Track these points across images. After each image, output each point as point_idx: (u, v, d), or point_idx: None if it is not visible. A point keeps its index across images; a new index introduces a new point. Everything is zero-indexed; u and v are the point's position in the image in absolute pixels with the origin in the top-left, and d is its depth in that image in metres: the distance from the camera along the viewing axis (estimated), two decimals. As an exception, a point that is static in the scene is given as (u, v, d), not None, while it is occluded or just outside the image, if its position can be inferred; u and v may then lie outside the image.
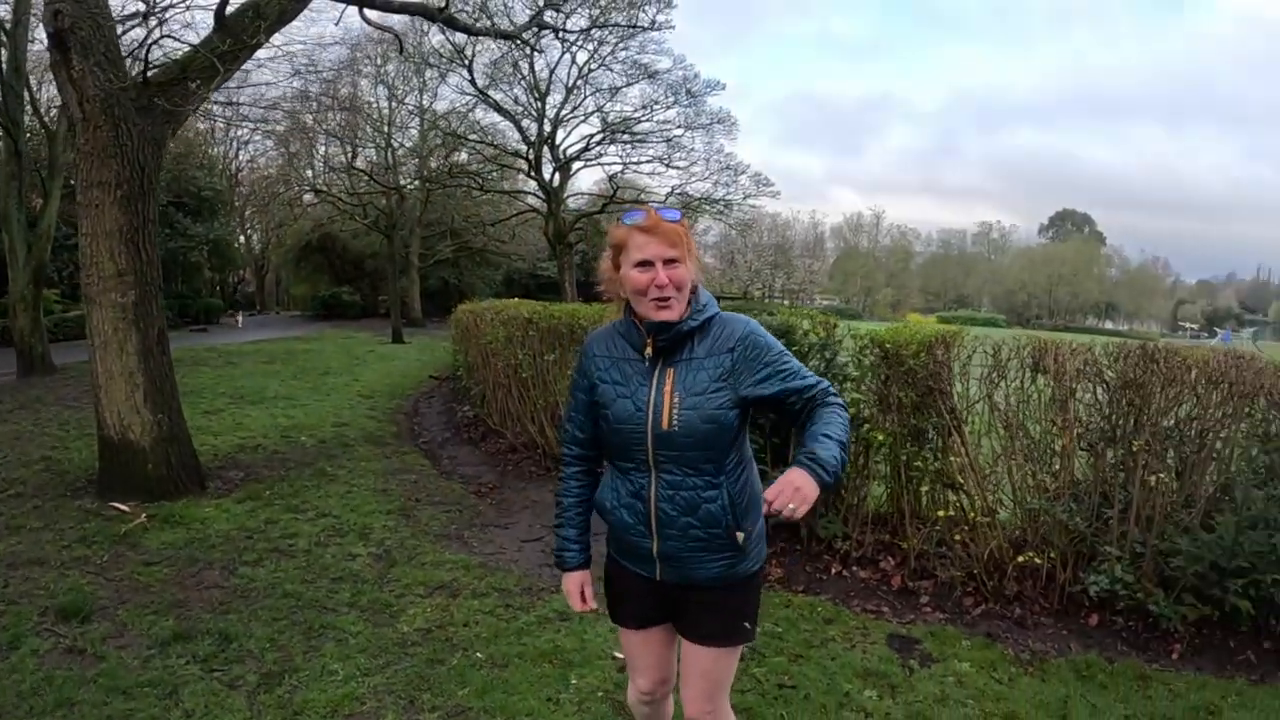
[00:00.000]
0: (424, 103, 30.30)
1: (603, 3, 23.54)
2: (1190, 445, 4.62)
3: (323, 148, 29.20)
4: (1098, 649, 4.43)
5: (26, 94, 14.58)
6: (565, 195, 29.52)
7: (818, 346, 5.52)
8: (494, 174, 30.94)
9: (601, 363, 2.38)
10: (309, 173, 31.13)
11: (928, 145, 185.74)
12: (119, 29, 6.98)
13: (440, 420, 11.00)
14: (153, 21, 7.62)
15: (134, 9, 8.42)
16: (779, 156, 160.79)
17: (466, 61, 25.64)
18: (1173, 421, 4.65)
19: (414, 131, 30.61)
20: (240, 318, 33.85)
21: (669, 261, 2.22)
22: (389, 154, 28.12)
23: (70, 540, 5.42)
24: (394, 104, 28.97)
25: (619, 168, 29.29)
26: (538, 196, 29.94)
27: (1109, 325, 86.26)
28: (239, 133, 33.89)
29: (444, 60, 26.10)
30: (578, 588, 2.53)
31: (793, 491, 2.06)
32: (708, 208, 29.31)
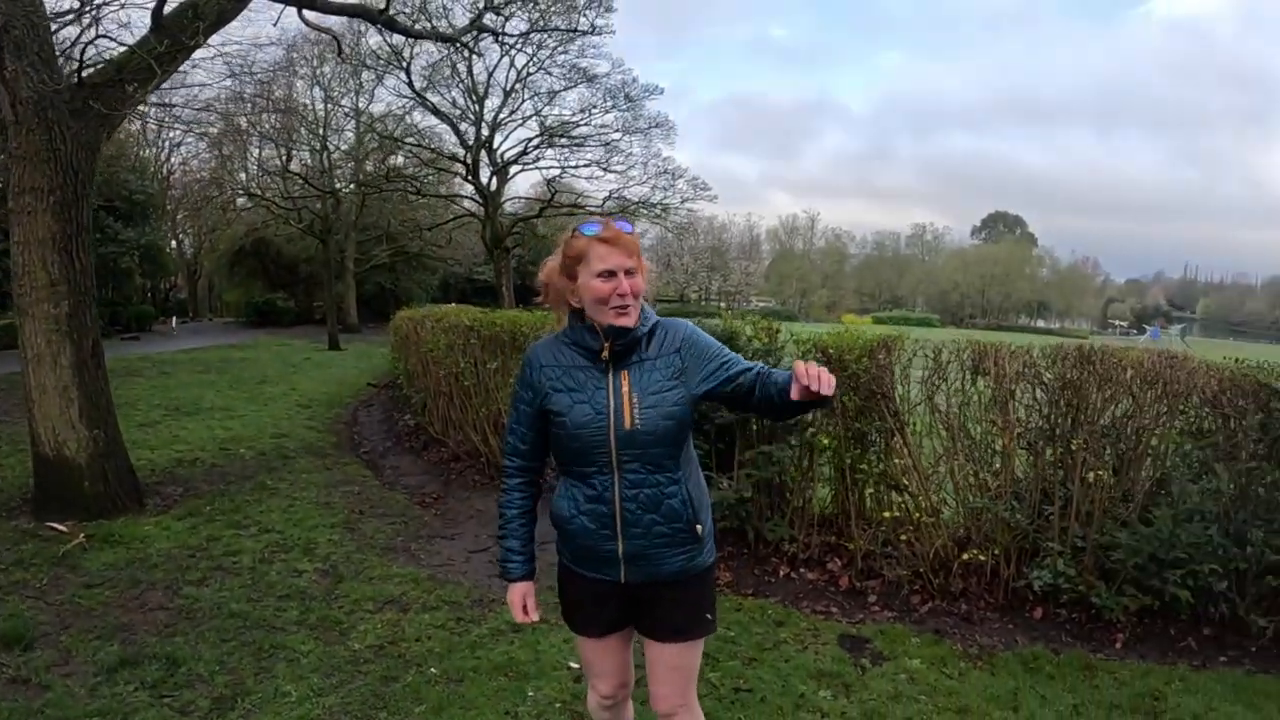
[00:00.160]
0: (360, 105, 29.95)
1: (542, 6, 23.43)
2: (1127, 443, 4.75)
3: (257, 150, 28.62)
4: (1043, 641, 4.54)
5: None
6: (502, 199, 29.35)
7: (761, 353, 5.56)
8: (430, 178, 30.65)
9: (551, 373, 2.40)
10: (243, 176, 30.45)
11: (862, 149, 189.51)
12: (51, 26, 6.73)
13: (380, 429, 10.83)
14: (87, 19, 7.37)
15: (68, 6, 8.15)
16: (715, 159, 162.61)
17: (404, 64, 25.39)
18: (1110, 420, 4.78)
19: (350, 134, 30.23)
20: (174, 324, 33.05)
21: (628, 271, 2.30)
22: (324, 157, 27.68)
23: (7, 563, 5.22)
24: (330, 106, 28.55)
25: (557, 171, 29.25)
26: (475, 201, 29.73)
27: (1041, 324, 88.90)
28: (171, 134, 32.93)
29: (381, 62, 25.80)
30: (520, 599, 2.54)
31: (818, 370, 2.10)
32: (645, 212, 29.36)
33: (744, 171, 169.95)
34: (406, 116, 28.69)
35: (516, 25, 23.41)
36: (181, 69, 10.34)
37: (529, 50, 25.81)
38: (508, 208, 31.52)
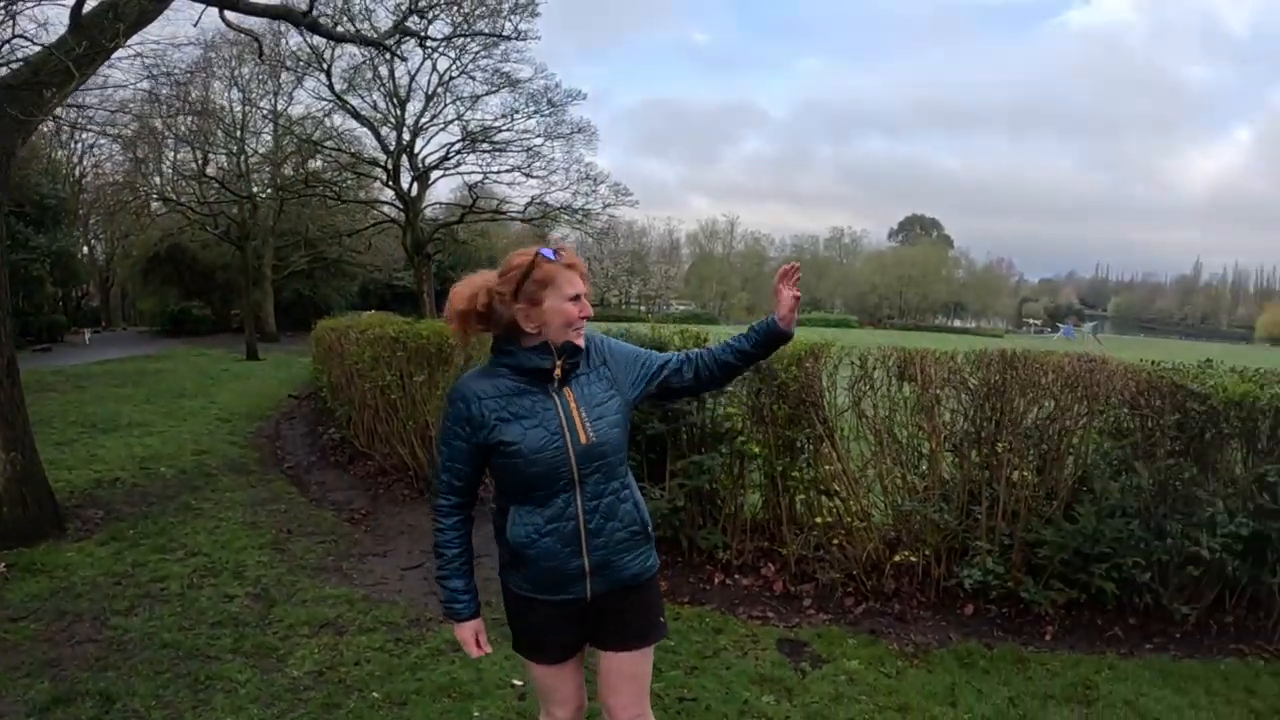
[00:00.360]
0: (279, 107, 29.21)
1: (466, 9, 23.17)
2: (1050, 443, 4.90)
3: (172, 153, 27.72)
4: (976, 637, 4.67)
5: None
6: (423, 205, 28.98)
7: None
8: (350, 182, 30.11)
9: (493, 404, 2.37)
10: (157, 180, 29.40)
11: (781, 153, 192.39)
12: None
13: (304, 443, 10.58)
14: (1, 16, 7.04)
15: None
16: (635, 163, 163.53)
17: (325, 66, 24.88)
18: (1033, 422, 4.93)
19: (268, 137, 29.50)
20: (87, 335, 31.96)
21: (586, 294, 2.42)
22: (242, 161, 26.94)
23: (-75, 598, 4.97)
24: (248, 108, 27.82)
25: (479, 177, 28.99)
26: (395, 206, 29.26)
27: (957, 323, 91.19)
28: (85, 136, 31.72)
29: (301, 64, 25.25)
30: (473, 635, 2.54)
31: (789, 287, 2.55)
32: (567, 217, 29.30)
33: (664, 175, 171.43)
34: (326, 119, 28.19)
35: (440, 29, 23.19)
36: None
37: (451, 54, 25.55)
38: (428, 213, 31.14)
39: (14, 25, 7.36)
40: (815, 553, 5.23)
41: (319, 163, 29.74)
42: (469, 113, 27.73)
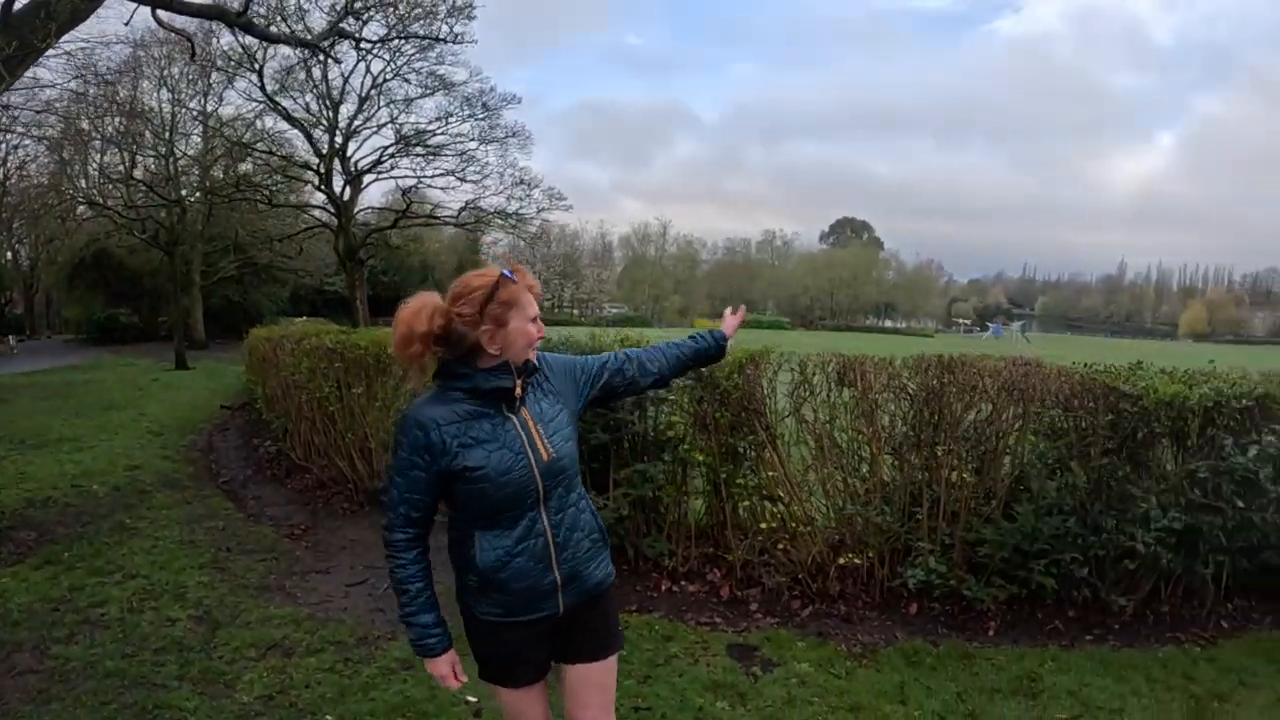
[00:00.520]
0: (209, 107, 28.45)
1: (401, 11, 22.82)
2: (987, 445, 5.02)
3: (99, 155, 26.89)
4: (921, 635, 4.77)
5: None
6: (356, 210, 28.51)
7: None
8: (281, 186, 29.50)
9: (453, 430, 2.33)
10: (83, 182, 28.46)
11: (714, 156, 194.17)
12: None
13: (239, 456, 10.33)
14: None
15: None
16: (567, 166, 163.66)
17: (257, 66, 24.27)
18: (970, 425, 5.04)
19: (197, 139, 28.73)
20: (12, 343, 30.88)
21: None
22: (171, 163, 26.21)
23: None
24: (177, 108, 27.02)
25: (413, 181, 28.61)
26: (327, 210, 28.75)
27: (888, 324, 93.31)
28: (8, 137, 30.52)
29: (232, 63, 24.59)
30: (450, 669, 2.48)
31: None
32: (500, 222, 29.07)
33: (596, 178, 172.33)
34: (258, 121, 27.52)
35: (375, 30, 22.83)
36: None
37: (386, 56, 25.17)
38: (361, 218, 30.66)
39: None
40: (760, 557, 5.28)
41: (249, 166, 29.07)
42: (403, 116, 27.43)
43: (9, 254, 39.81)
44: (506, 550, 2.36)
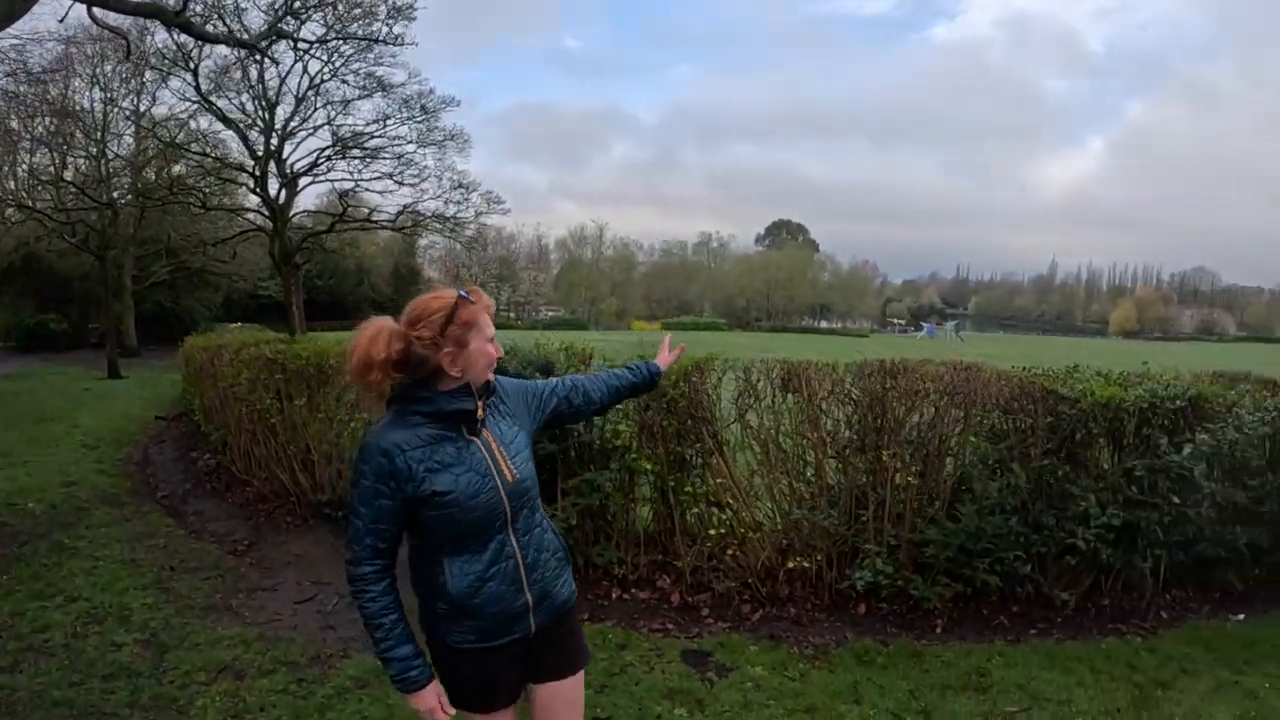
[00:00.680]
0: (141, 107, 27.58)
1: (340, 10, 22.40)
2: (930, 447, 5.13)
3: (29, 156, 25.94)
4: (870, 635, 4.87)
5: None
6: (291, 213, 27.96)
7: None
8: (215, 188, 28.81)
9: (419, 455, 2.29)
10: (12, 184, 27.45)
11: (651, 158, 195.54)
12: None
13: (177, 469, 10.05)
14: None
15: None
16: (504, 168, 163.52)
17: (192, 65, 23.56)
18: (913, 428, 5.15)
19: (129, 139, 27.88)
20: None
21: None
22: (102, 164, 25.39)
23: None
24: (110, 108, 26.11)
25: (350, 184, 28.12)
26: (261, 214, 28.13)
27: (824, 324, 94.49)
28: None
29: (167, 62, 23.85)
30: (436, 700, 2.41)
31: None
32: (438, 226, 28.73)
33: (532, 180, 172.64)
34: (191, 121, 26.75)
35: (313, 30, 22.42)
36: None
37: (323, 56, 24.68)
38: (296, 221, 30.08)
39: None
40: (709, 563, 5.34)
41: (182, 167, 28.31)
42: (340, 117, 26.86)
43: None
44: (479, 575, 2.35)
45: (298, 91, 25.64)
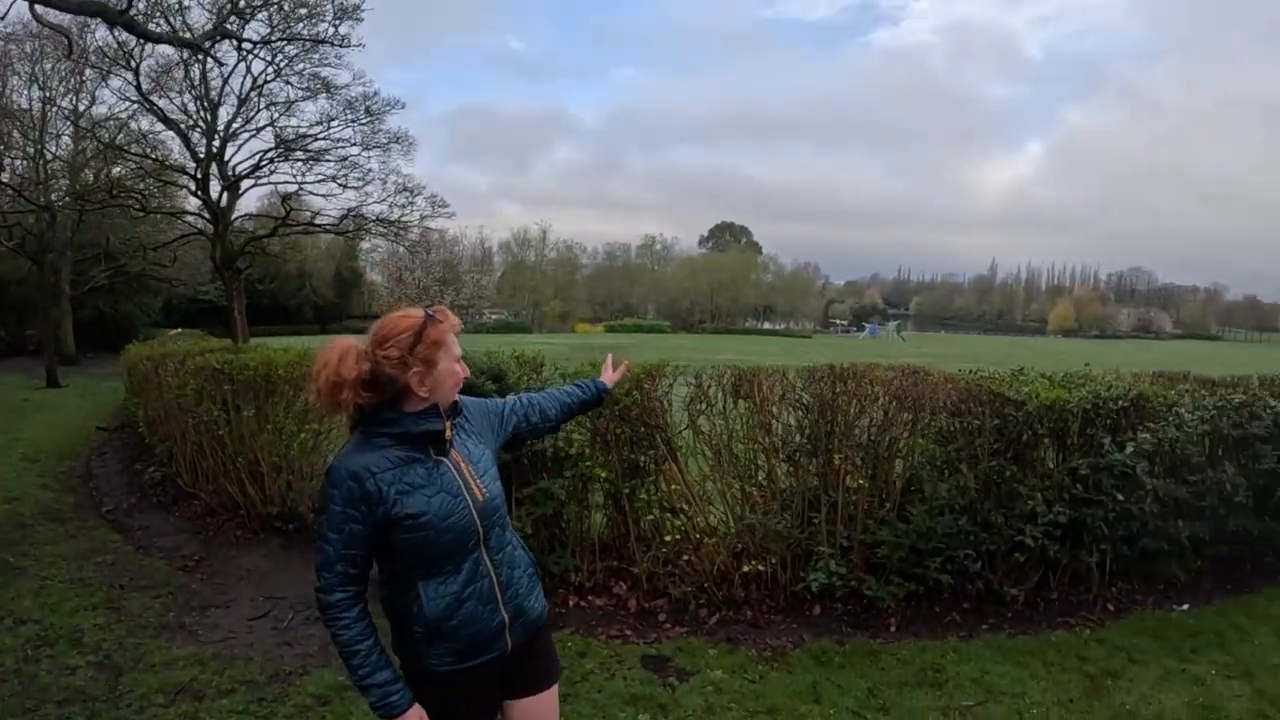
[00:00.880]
0: (80, 106, 26.82)
1: (285, 9, 21.94)
2: (880, 450, 5.23)
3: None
4: (827, 635, 4.97)
5: None
6: (233, 217, 27.38)
7: (535, 390, 5.58)
8: (155, 190, 28.11)
9: (388, 477, 2.28)
10: (-54, 186, 26.64)
11: (594, 160, 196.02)
12: None
13: (121, 483, 9.79)
14: None
15: None
16: (446, 170, 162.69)
17: (134, 64, 22.88)
18: (863, 433, 5.25)
19: (68, 139, 27.12)
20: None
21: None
22: (40, 165, 24.66)
23: None
24: (48, 107, 25.34)
25: (293, 187, 27.61)
26: (202, 217, 27.50)
27: (767, 326, 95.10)
28: None
29: (107, 60, 23.17)
30: None
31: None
32: (382, 230, 28.36)
33: (476, 182, 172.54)
34: (132, 121, 26.02)
35: (258, 29, 21.93)
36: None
37: (267, 56, 24.16)
38: (238, 225, 29.45)
39: None
40: (665, 568, 5.37)
41: (121, 169, 27.57)
42: (283, 119, 26.30)
43: None
44: (455, 596, 2.34)
45: (240, 92, 25.01)
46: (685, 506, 5.45)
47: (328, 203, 27.97)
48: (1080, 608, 5.27)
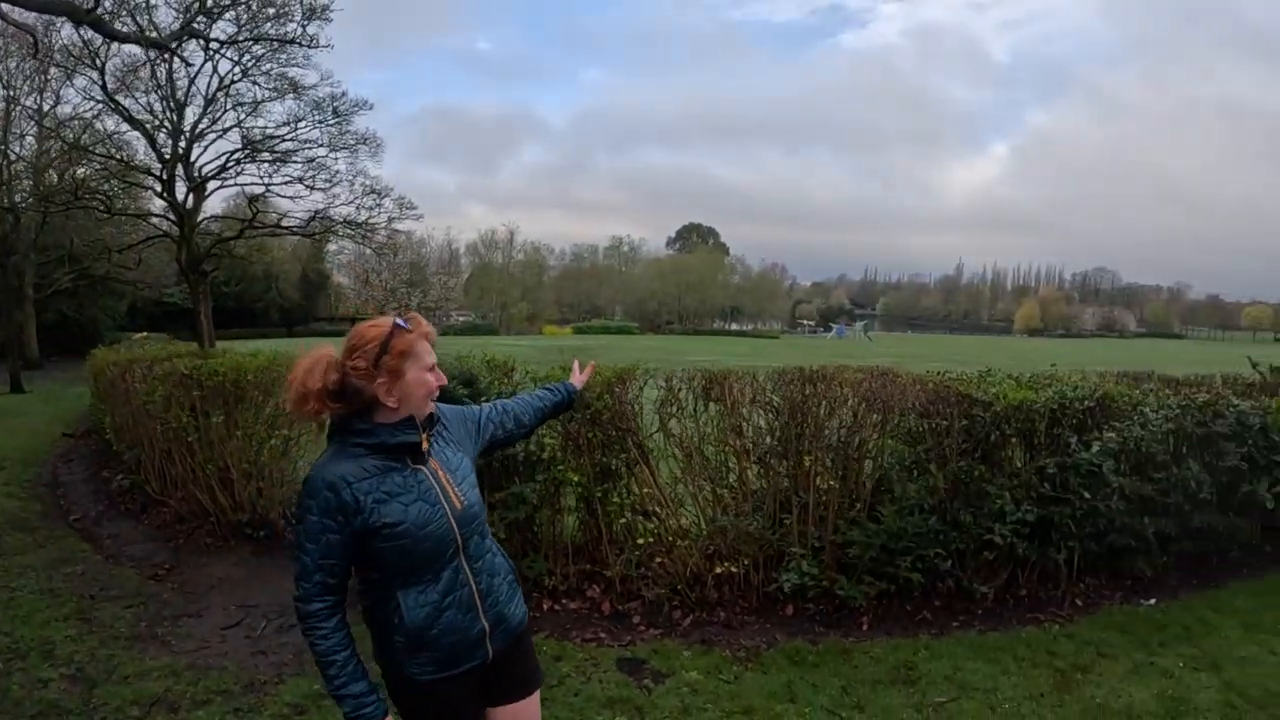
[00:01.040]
0: (44, 105, 26.34)
1: (253, 9, 21.66)
2: (850, 451, 5.30)
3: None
4: (800, 635, 5.02)
5: None
6: (199, 219, 27.03)
7: (507, 395, 5.59)
8: (120, 192, 27.70)
9: (365, 487, 2.27)
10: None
11: (561, 162, 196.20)
12: None
13: (89, 490, 9.63)
14: None
15: None
16: (413, 171, 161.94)
17: (99, 63, 22.50)
18: (833, 433, 5.30)
19: (31, 139, 26.68)
20: None
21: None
22: (3, 166, 24.26)
23: None
24: (11, 106, 24.94)
25: (260, 189, 27.29)
26: (168, 219, 27.13)
27: (734, 326, 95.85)
28: None
29: (72, 59, 22.79)
30: None
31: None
32: (350, 232, 28.11)
33: (442, 184, 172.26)
34: (97, 121, 25.60)
35: (225, 29, 21.66)
36: None
37: (234, 56, 23.84)
38: (204, 227, 29.08)
39: None
40: (638, 571, 5.40)
41: (86, 170, 27.14)
42: (250, 120, 25.99)
43: None
44: (435, 605, 2.34)
45: (207, 92, 24.69)
46: (657, 509, 5.47)
47: (295, 205, 27.69)
48: (1049, 604, 5.37)
